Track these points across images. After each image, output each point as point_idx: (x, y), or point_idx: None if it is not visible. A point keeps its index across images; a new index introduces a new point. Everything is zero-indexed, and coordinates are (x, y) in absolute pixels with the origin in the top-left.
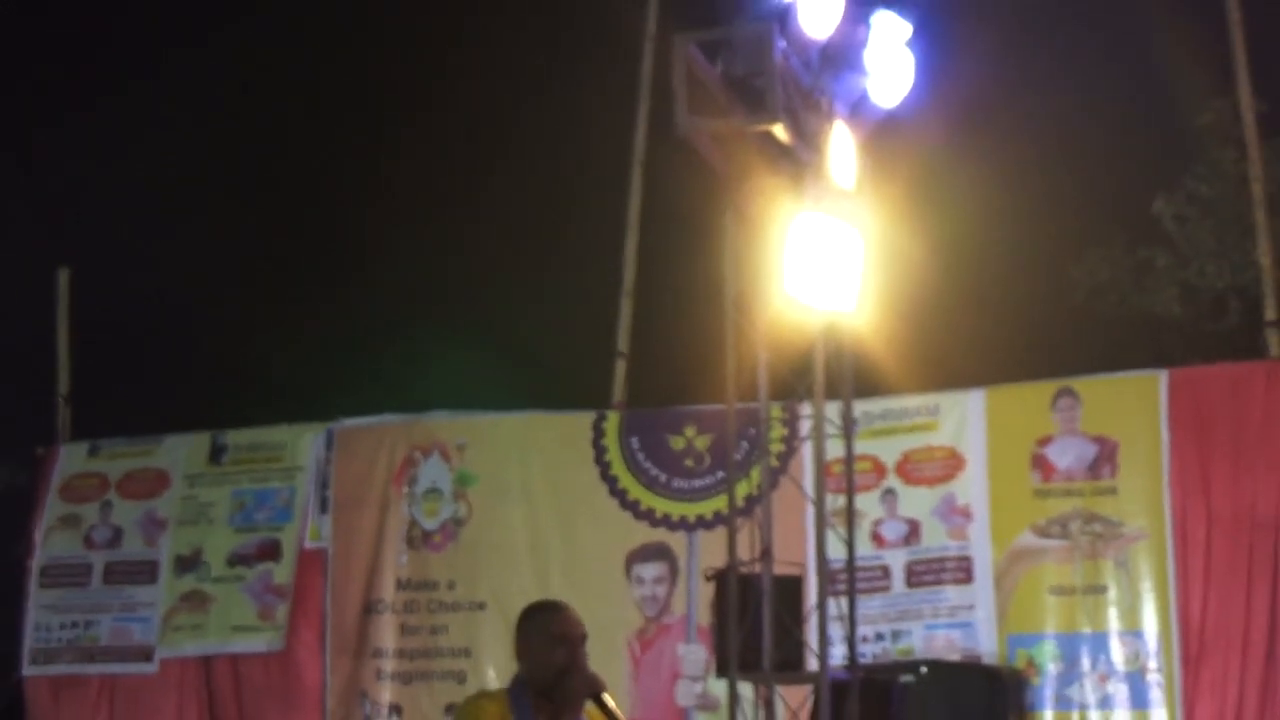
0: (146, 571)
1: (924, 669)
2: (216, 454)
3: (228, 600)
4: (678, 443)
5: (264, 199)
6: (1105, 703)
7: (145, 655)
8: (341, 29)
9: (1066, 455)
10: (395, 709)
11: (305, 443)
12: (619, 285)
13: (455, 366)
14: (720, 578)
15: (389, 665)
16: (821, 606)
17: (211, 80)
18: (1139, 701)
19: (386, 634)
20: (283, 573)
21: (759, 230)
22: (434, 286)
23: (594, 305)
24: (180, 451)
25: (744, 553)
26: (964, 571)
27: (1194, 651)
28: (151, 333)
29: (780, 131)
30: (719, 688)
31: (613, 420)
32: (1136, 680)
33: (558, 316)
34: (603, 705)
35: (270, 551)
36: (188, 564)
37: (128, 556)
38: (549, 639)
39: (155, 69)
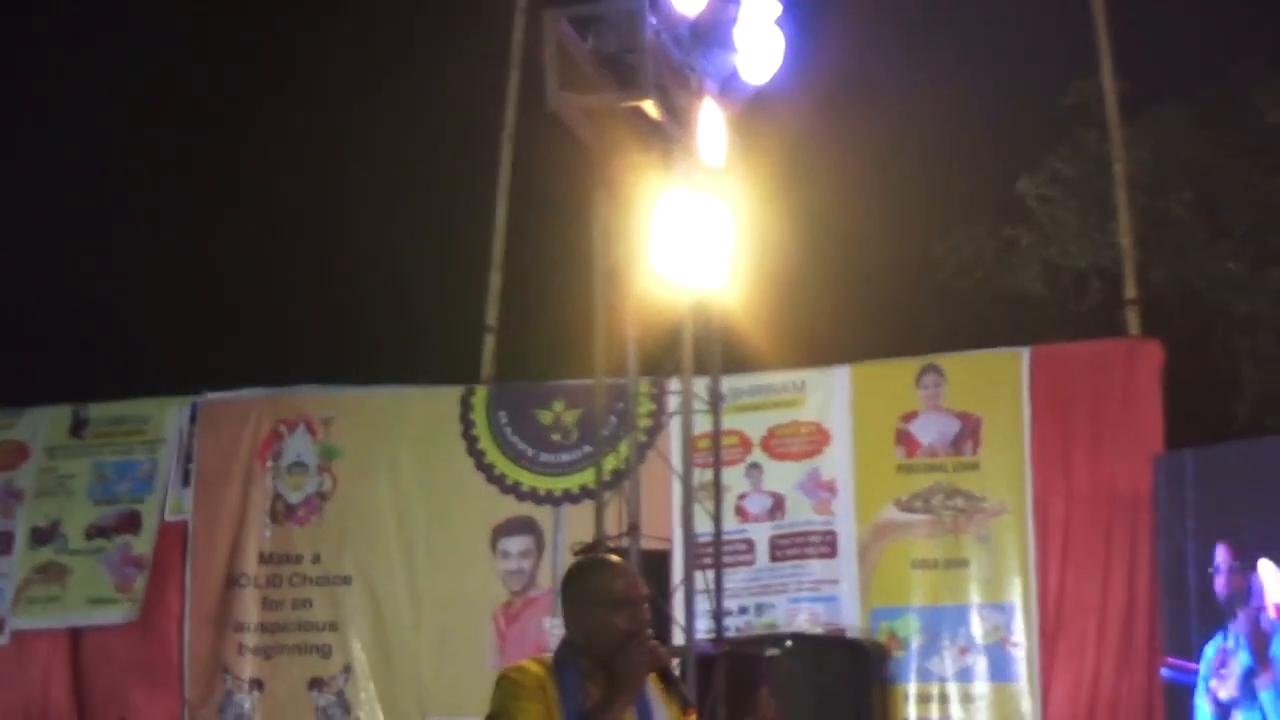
0: (0, 543)
1: (789, 643)
2: (78, 427)
3: (86, 573)
4: (545, 417)
5: (128, 169)
6: (965, 674)
7: None
8: None
9: (930, 431)
10: (256, 683)
11: (169, 416)
12: (488, 259)
13: (322, 340)
14: (588, 552)
15: (251, 639)
16: (688, 580)
17: (80, 35)
18: (999, 673)
19: (248, 608)
20: (142, 544)
21: (628, 206)
22: (301, 260)
23: (462, 279)
24: (41, 424)
25: (611, 527)
26: (828, 546)
27: (1052, 625)
28: (12, 304)
29: (650, 107)
30: None
31: (481, 395)
32: (996, 652)
33: (426, 291)
34: (669, 681)
35: (129, 523)
36: (44, 536)
37: None
38: (611, 601)
39: (22, 20)
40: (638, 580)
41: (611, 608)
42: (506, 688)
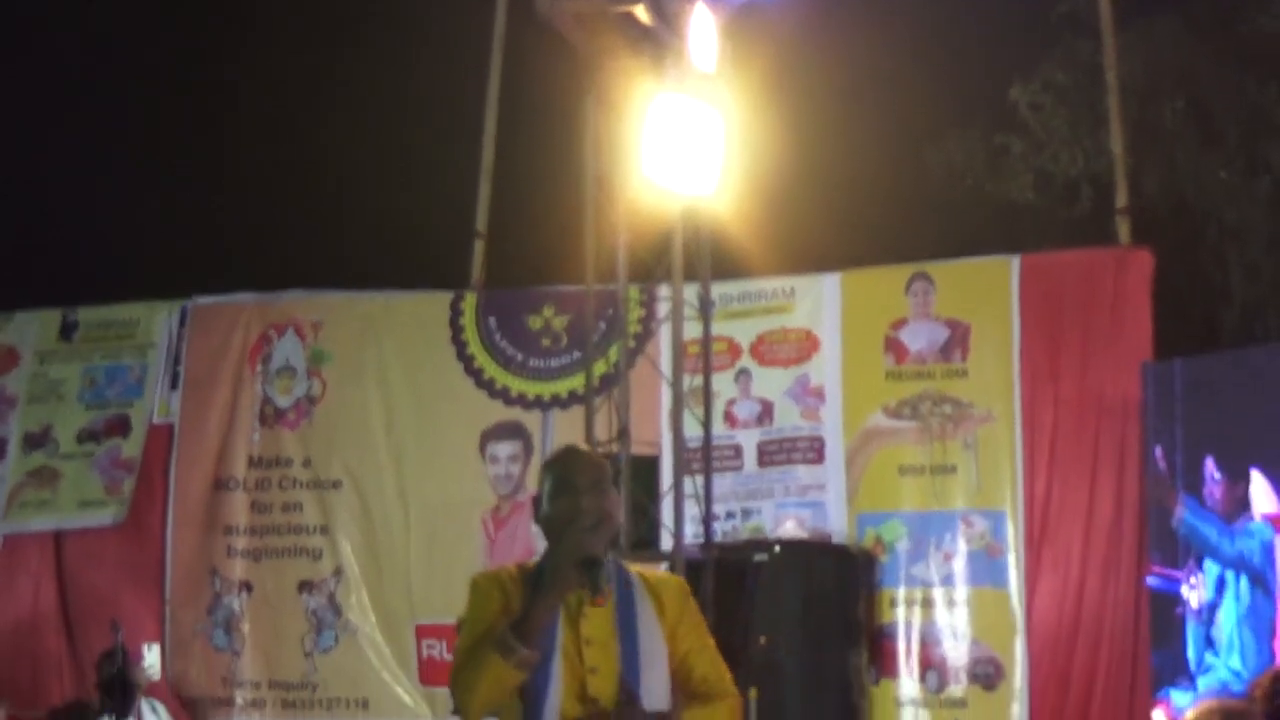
0: None
1: (777, 548)
2: (67, 331)
3: (76, 476)
4: (535, 323)
5: (120, 73)
6: (950, 580)
7: None
8: None
9: (919, 338)
10: (245, 586)
11: (159, 320)
12: (478, 165)
13: (312, 245)
14: None
15: (240, 542)
16: (678, 486)
17: None
18: (984, 578)
19: (238, 511)
20: (131, 447)
21: (619, 112)
22: (294, 165)
23: (453, 186)
24: (30, 328)
25: (600, 432)
26: (815, 452)
27: (1038, 530)
28: (1, 207)
29: (642, 13)
30: None
31: (470, 300)
32: (981, 558)
33: (417, 196)
34: (589, 568)
35: (119, 427)
36: (37, 441)
37: None
38: (553, 488)
39: None
40: (589, 465)
41: (554, 494)
42: (471, 596)
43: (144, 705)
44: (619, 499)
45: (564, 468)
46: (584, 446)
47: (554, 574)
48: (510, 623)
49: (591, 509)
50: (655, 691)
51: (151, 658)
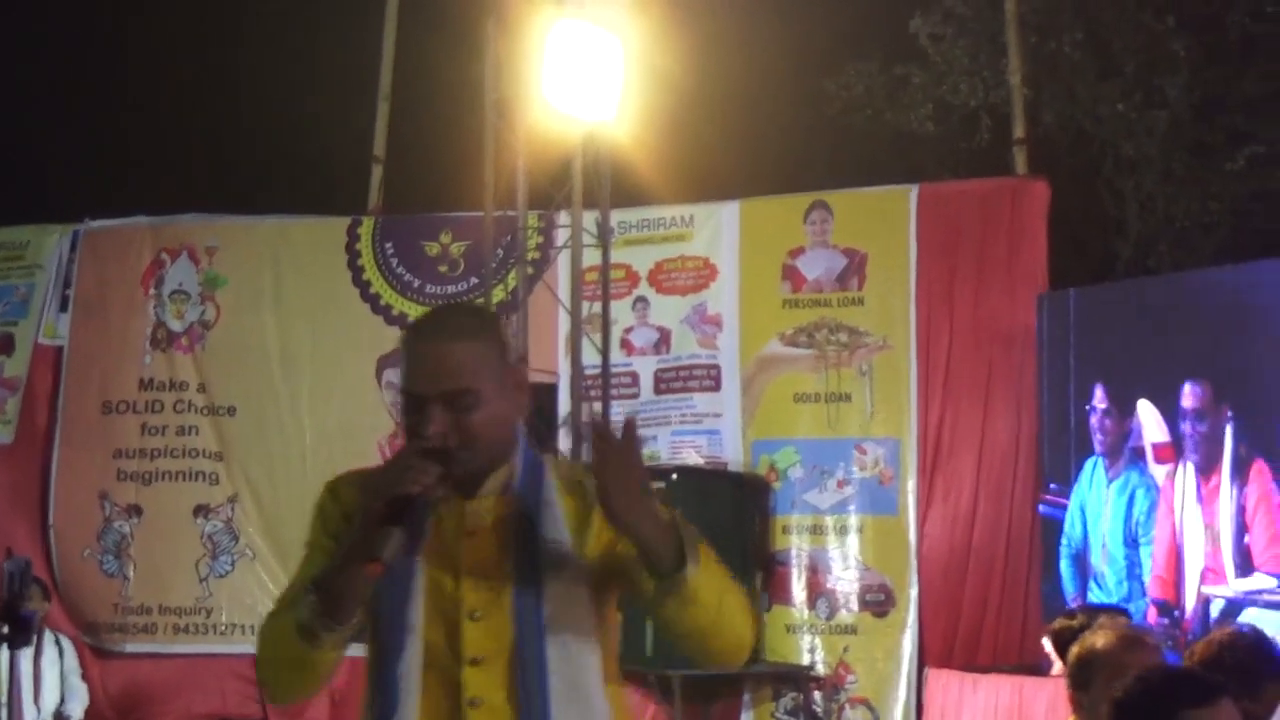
0: None
1: (674, 475)
2: None
3: None
4: (432, 249)
5: None
6: (842, 507)
7: None
8: None
9: (816, 266)
10: (135, 509)
11: (49, 243)
12: (376, 90)
13: (208, 169)
14: None
15: (130, 465)
16: (575, 413)
17: None
18: (876, 506)
19: (128, 434)
20: (15, 366)
21: (520, 36)
22: (190, 88)
23: (351, 110)
24: None
25: None
26: (712, 379)
27: (931, 458)
28: None
29: None
30: None
31: (367, 226)
32: (874, 486)
33: (314, 120)
34: (395, 515)
35: (3, 346)
36: None
37: None
38: (402, 394)
39: None
40: (445, 359)
41: (403, 405)
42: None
43: (46, 637)
44: (507, 379)
45: (408, 363)
46: (455, 314)
47: (362, 518)
48: (314, 583)
49: (440, 428)
50: (568, 632)
51: None
